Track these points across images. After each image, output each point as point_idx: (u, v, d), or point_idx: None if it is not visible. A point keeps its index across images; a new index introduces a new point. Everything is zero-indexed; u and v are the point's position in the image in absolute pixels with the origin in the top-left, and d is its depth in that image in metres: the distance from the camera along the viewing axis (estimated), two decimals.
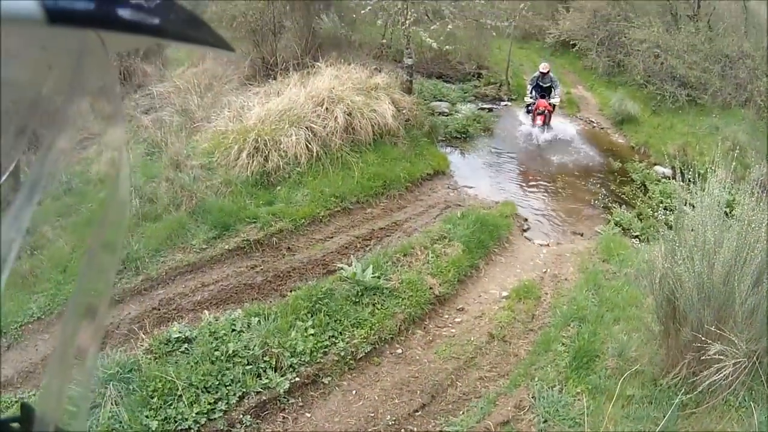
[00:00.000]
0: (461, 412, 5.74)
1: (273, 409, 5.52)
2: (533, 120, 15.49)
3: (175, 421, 5.01)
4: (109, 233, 0.82)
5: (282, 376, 5.72)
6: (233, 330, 6.05)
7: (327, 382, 5.95)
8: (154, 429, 4.88)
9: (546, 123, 15.59)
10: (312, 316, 6.50)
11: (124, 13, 0.63)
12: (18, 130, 0.81)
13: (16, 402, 5.45)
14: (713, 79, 16.47)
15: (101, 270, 0.82)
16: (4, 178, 0.82)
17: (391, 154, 11.29)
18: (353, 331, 6.51)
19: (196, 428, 5.01)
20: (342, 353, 6.23)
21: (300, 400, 5.71)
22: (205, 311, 6.53)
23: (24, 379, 5.94)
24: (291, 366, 5.85)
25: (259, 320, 6.22)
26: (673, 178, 8.37)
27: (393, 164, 10.94)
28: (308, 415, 5.58)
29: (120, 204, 0.85)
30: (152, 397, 5.13)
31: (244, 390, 5.45)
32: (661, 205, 11.36)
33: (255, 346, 5.84)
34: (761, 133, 13.84)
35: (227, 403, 5.28)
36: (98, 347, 0.86)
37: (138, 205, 8.44)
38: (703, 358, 4.85)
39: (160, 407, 5.07)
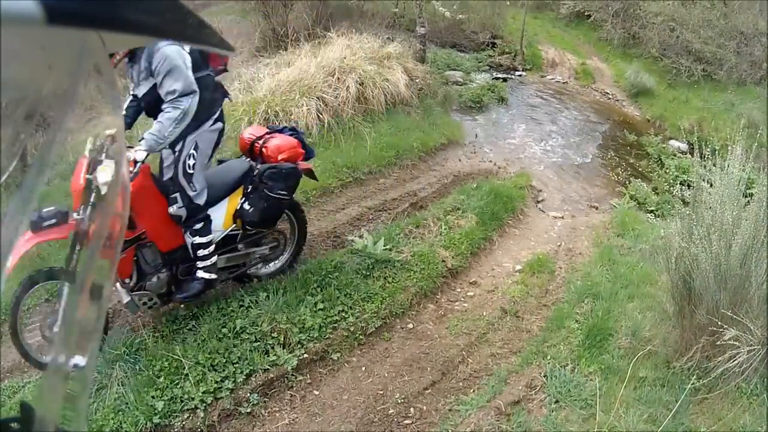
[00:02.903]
0: (472, 391, 5.69)
1: (280, 386, 5.49)
2: None
3: (182, 401, 4.99)
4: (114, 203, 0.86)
5: (290, 352, 5.67)
6: (241, 306, 6.00)
7: (336, 359, 5.91)
8: (160, 409, 4.86)
9: None
10: (321, 290, 6.44)
11: (124, 12, 0.62)
12: (27, 113, 0.81)
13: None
14: (728, 55, 16.41)
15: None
16: (12, 166, 0.83)
17: (404, 123, 11.20)
18: (363, 305, 6.45)
19: (202, 407, 4.99)
20: (351, 328, 6.18)
21: (308, 377, 5.68)
22: None
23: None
24: (299, 342, 5.81)
25: (267, 295, 6.16)
26: (690, 153, 8.25)
27: (406, 134, 10.85)
28: (316, 392, 5.55)
29: (122, 184, 0.90)
30: (158, 377, 5.11)
31: (252, 368, 5.41)
32: (677, 180, 11.27)
33: (263, 322, 5.80)
34: None
35: (234, 381, 5.25)
36: (102, 327, 0.88)
37: None
38: (718, 343, 4.77)
39: (167, 387, 5.05)
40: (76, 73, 0.75)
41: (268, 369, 5.49)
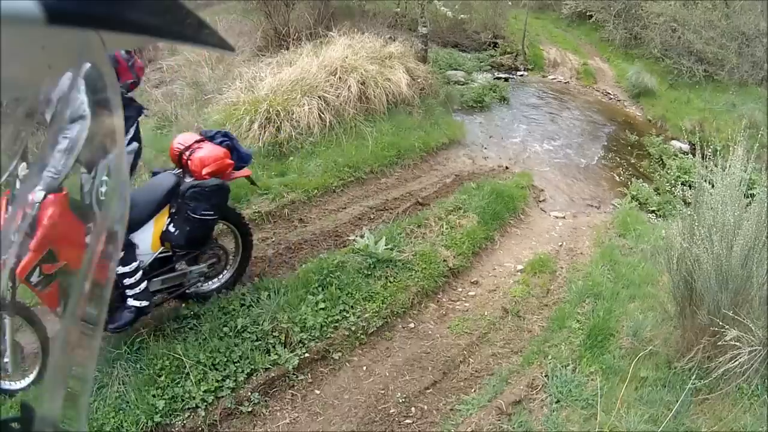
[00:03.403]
0: (473, 390, 5.69)
1: (282, 386, 5.49)
2: None
3: (182, 400, 4.98)
4: (112, 218, 0.86)
5: (291, 352, 5.67)
6: (242, 305, 6.00)
7: (337, 358, 5.90)
8: (161, 408, 4.85)
9: None
10: (323, 289, 6.43)
11: (124, 12, 0.63)
12: (27, 112, 0.85)
13: None
14: (730, 56, 16.39)
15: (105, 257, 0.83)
16: (13, 166, 0.84)
17: (406, 123, 11.16)
18: (365, 304, 6.45)
19: (203, 406, 4.98)
20: (353, 328, 6.17)
21: (309, 376, 5.67)
22: None
23: None
24: (300, 341, 5.80)
25: (268, 294, 6.15)
26: (692, 153, 8.26)
27: (408, 133, 10.81)
28: (317, 392, 5.54)
29: (120, 188, 0.93)
30: (159, 376, 5.10)
31: (253, 367, 5.41)
32: (678, 180, 11.26)
33: (264, 321, 5.80)
34: None
35: (235, 380, 5.25)
36: (101, 332, 0.87)
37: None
38: (719, 343, 4.77)
39: (168, 386, 5.04)
40: (76, 73, 0.75)
41: (269, 368, 5.49)
